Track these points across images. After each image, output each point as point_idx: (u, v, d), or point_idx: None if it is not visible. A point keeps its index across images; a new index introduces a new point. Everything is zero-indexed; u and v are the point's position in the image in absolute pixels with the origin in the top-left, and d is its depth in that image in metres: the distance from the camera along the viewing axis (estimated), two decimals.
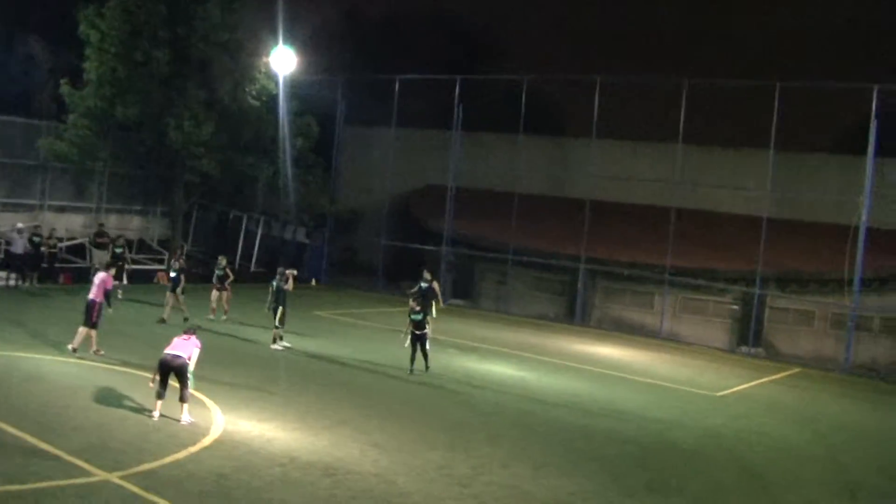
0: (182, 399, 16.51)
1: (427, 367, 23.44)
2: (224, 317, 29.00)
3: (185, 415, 16.50)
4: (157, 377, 16.64)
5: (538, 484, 15.24)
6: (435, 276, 31.68)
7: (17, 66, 40.38)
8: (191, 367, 16.71)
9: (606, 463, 16.96)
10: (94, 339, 21.77)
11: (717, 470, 17.34)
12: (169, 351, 16.75)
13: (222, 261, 30.38)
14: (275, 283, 25.48)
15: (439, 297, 31.22)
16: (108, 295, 22.32)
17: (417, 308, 23.50)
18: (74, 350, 21.49)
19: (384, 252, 42.83)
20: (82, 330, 21.72)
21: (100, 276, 22.57)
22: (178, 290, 28.06)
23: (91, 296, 22.00)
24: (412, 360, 23.37)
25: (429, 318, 28.69)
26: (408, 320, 23.69)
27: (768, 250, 33.68)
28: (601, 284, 38.36)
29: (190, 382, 16.68)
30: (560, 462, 16.70)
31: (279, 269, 26.10)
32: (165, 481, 13.50)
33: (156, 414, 16.57)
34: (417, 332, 23.39)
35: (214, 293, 29.46)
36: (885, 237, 34.06)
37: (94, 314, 21.82)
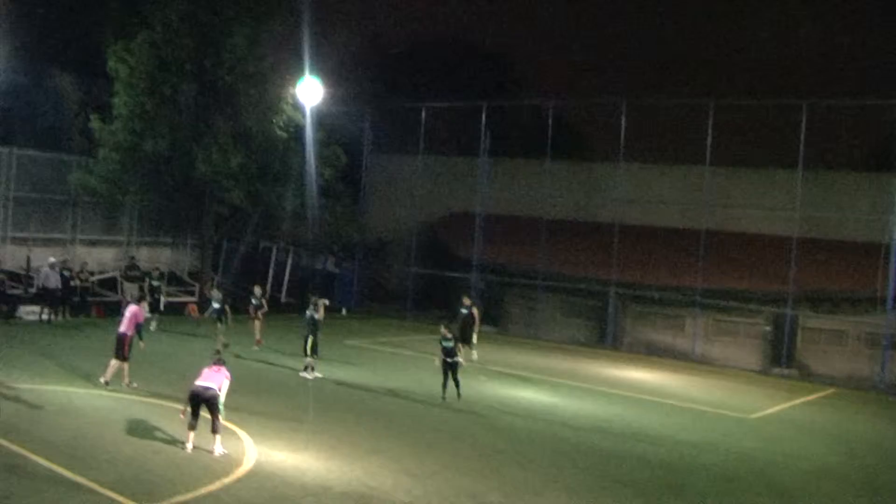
0: (214, 430, 16.55)
1: (459, 395, 23.40)
2: (256, 347, 29.21)
3: (218, 446, 16.54)
4: (189, 409, 16.69)
5: None
6: (473, 303, 31.67)
7: (47, 102, 40.82)
8: (221, 398, 16.76)
9: (639, 488, 16.85)
10: (125, 372, 21.88)
11: (751, 494, 17.19)
12: (199, 382, 16.81)
13: (257, 290, 30.68)
14: (308, 313, 25.57)
15: (478, 322, 30.89)
16: (139, 328, 22.45)
17: (449, 335, 23.49)
18: (107, 383, 21.61)
19: (413, 280, 42.87)
20: (114, 363, 21.85)
21: (131, 310, 22.70)
22: (226, 320, 28.88)
23: (122, 329, 22.13)
24: (444, 387, 23.35)
25: (468, 345, 29.31)
26: (439, 347, 23.69)
27: (799, 270, 33.50)
28: (631, 308, 38.21)
29: (221, 413, 16.73)
30: (593, 487, 16.62)
31: (311, 299, 26.21)
32: None
33: (189, 446, 16.62)
34: (449, 360, 23.37)
35: (257, 323, 29.84)
36: None
37: (126, 347, 21.95)
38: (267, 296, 37.21)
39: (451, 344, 23.38)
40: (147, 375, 22.56)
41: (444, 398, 23.27)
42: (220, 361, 17.48)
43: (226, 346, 27.88)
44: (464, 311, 30.61)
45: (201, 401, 16.61)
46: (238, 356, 26.61)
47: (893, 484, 18.98)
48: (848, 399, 29.67)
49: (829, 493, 17.71)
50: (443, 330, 23.85)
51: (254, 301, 30.32)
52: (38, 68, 39.36)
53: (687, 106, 39.66)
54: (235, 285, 41.20)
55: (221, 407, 16.75)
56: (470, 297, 32.36)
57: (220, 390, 16.76)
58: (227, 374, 17.21)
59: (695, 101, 37.37)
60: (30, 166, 37.66)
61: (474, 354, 30.28)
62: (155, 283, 33.99)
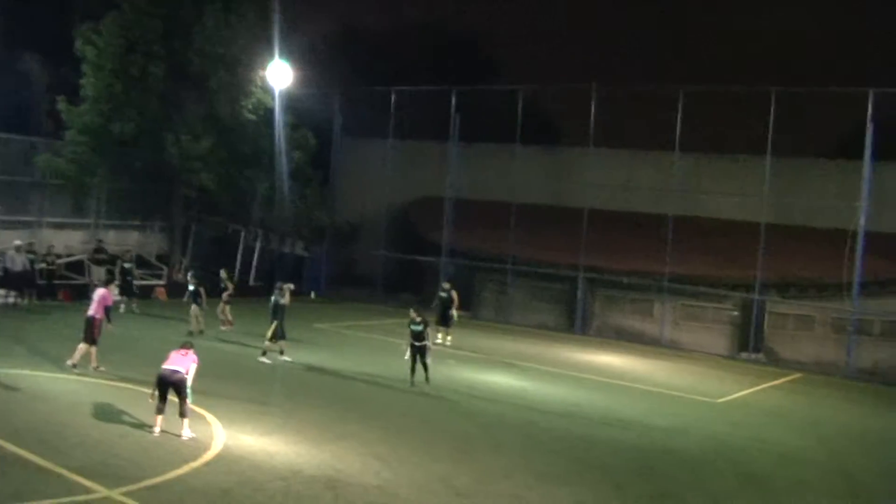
0: (182, 414, 16.47)
1: (428, 379, 23.38)
2: (226, 328, 29.22)
3: (186, 430, 16.47)
4: (157, 392, 16.61)
5: (540, 494, 15.21)
6: (452, 286, 32.11)
7: (14, 83, 40.35)
8: (189, 382, 16.69)
9: (609, 472, 16.92)
10: (93, 356, 21.74)
11: (720, 477, 17.31)
12: (167, 366, 16.72)
13: (222, 273, 30.65)
14: (273, 298, 25.45)
15: (456, 304, 31.57)
16: (108, 311, 22.30)
17: (418, 319, 23.45)
18: (74, 366, 21.47)
19: (383, 264, 42.83)
20: (82, 346, 21.70)
21: (99, 293, 22.55)
22: (201, 304, 28.88)
23: (91, 312, 21.99)
24: (412, 371, 23.31)
25: (445, 327, 30.42)
26: (408, 331, 23.66)
27: (767, 256, 33.69)
28: (601, 293, 38.32)
29: (189, 397, 16.65)
30: (562, 471, 16.67)
31: (277, 284, 26.13)
32: (168, 497, 13.47)
33: (156, 429, 16.53)
34: (417, 344, 23.34)
35: (225, 307, 29.84)
36: (883, 241, 34.05)
37: (94, 330, 21.80)
38: (234, 278, 37.16)
39: (420, 328, 23.34)
40: (115, 359, 22.43)
41: (412, 383, 23.24)
42: (188, 345, 17.41)
43: (201, 332, 28.00)
44: (443, 294, 31.40)
45: (169, 384, 16.53)
46: (217, 339, 26.57)
47: (860, 467, 19.14)
48: (815, 384, 29.92)
49: (796, 477, 17.84)
50: (412, 314, 23.78)
51: (221, 285, 30.35)
52: (5, 50, 38.90)
53: (657, 92, 39.73)
54: (204, 269, 41.01)
55: (189, 391, 16.67)
56: (449, 280, 32.99)
57: (187, 374, 16.68)
58: (195, 358, 17.14)
59: (665, 87, 37.45)
60: None
61: (448, 339, 30.44)
62: (127, 265, 33.79)
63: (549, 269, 38.30)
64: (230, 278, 31.19)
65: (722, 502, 15.86)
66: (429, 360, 23.43)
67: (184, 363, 16.79)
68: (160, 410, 16.58)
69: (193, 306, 28.90)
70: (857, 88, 32.51)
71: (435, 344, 28.96)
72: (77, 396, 19.14)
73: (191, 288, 29.42)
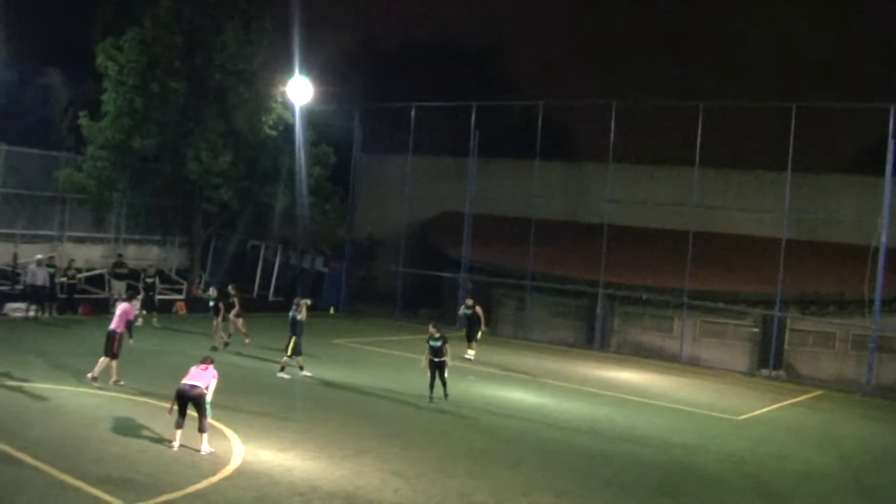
0: (201, 429, 16.49)
1: (446, 395, 23.35)
2: (247, 341, 29.20)
3: (205, 445, 16.48)
4: (176, 407, 16.64)
5: None
6: (476, 303, 32.16)
7: (35, 98, 40.68)
8: (208, 398, 16.71)
9: (627, 489, 16.84)
10: (114, 370, 21.81)
11: (739, 495, 17.19)
12: (186, 381, 16.75)
13: (230, 289, 30.58)
14: (290, 314, 25.45)
15: (482, 321, 31.75)
16: (129, 325, 22.38)
17: (437, 335, 23.43)
18: (94, 379, 21.54)
19: (402, 280, 42.84)
20: (103, 360, 21.79)
21: (122, 307, 22.65)
22: (220, 318, 28.87)
23: (113, 326, 22.07)
24: (431, 387, 23.28)
25: (471, 343, 30.59)
26: (427, 347, 23.63)
27: (787, 272, 33.53)
28: (620, 309, 38.23)
29: (208, 412, 16.67)
30: (581, 489, 16.60)
31: (294, 300, 26.16)
32: None
33: (175, 444, 16.55)
34: (436, 360, 23.31)
35: (239, 321, 29.82)
36: None
37: (115, 344, 21.87)
38: (254, 294, 37.30)
39: (438, 343, 23.31)
40: (135, 373, 22.49)
41: (431, 398, 23.20)
42: (208, 360, 17.44)
43: (226, 344, 28.13)
44: (467, 311, 31.56)
45: (188, 399, 16.56)
46: (236, 354, 26.66)
47: (881, 485, 19.00)
48: (835, 401, 29.73)
49: (817, 495, 17.72)
50: (431, 329, 23.77)
51: (228, 300, 30.25)
52: (28, 65, 39.22)
53: (677, 107, 39.69)
54: (223, 284, 41.13)
55: (209, 406, 16.69)
56: (472, 297, 33.13)
57: (207, 389, 16.70)
58: (215, 373, 17.16)
59: (684, 102, 37.38)
60: (18, 163, 37.53)
61: (472, 353, 30.62)
62: (149, 279, 33.93)
63: (568, 284, 38.20)
64: (237, 293, 30.91)
65: None
66: (447, 377, 23.39)
67: (203, 378, 16.82)
68: (179, 425, 16.60)
69: (214, 321, 28.97)
70: (878, 104, 32.36)
71: (465, 359, 29.49)
72: (97, 410, 19.19)
73: (210, 303, 29.50)
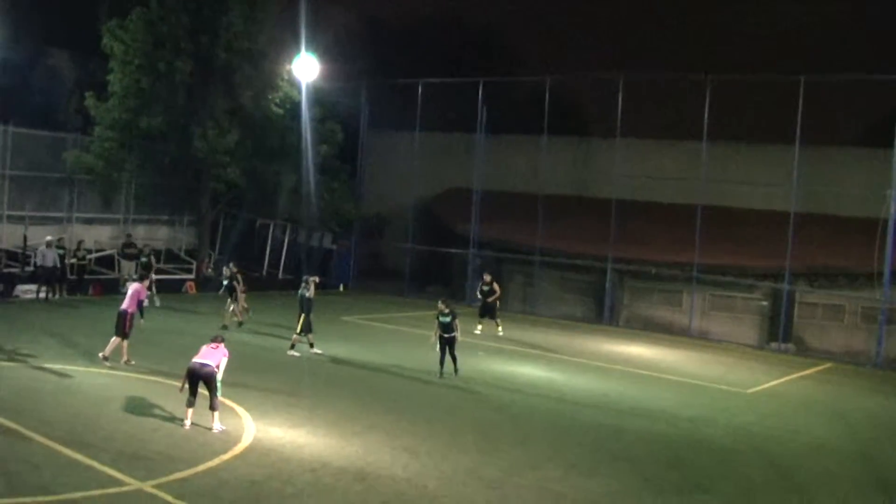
0: (212, 407, 16.58)
1: (456, 371, 23.42)
2: (240, 321, 29.13)
3: (216, 423, 16.57)
4: (187, 386, 16.73)
5: (569, 485, 15.22)
6: (493, 279, 32.32)
7: (42, 80, 40.68)
8: (219, 376, 16.79)
9: (637, 463, 16.91)
10: (125, 349, 21.91)
11: (748, 468, 17.25)
12: (197, 360, 16.83)
13: (232, 268, 30.16)
14: (300, 292, 25.49)
15: (498, 294, 31.97)
16: (140, 306, 22.46)
17: (446, 310, 23.46)
18: (106, 359, 21.64)
19: (411, 256, 42.89)
20: (114, 340, 21.89)
21: (133, 287, 22.73)
22: (235, 297, 28.79)
23: (124, 306, 22.15)
24: (441, 363, 23.35)
25: (493, 320, 31.12)
26: (436, 322, 23.69)
27: (796, 245, 33.50)
28: (629, 284, 38.24)
29: (219, 390, 16.76)
30: (590, 463, 16.67)
31: (304, 277, 26.19)
32: (198, 490, 13.57)
33: (187, 423, 16.65)
34: (446, 336, 23.37)
35: (243, 296, 29.71)
36: None
37: (126, 324, 21.97)
38: (263, 273, 37.38)
39: (448, 319, 23.35)
40: (146, 353, 22.57)
41: (441, 374, 23.27)
42: (219, 339, 17.52)
43: (240, 324, 28.22)
44: (485, 287, 31.68)
45: (199, 377, 16.64)
46: (247, 332, 26.78)
47: (889, 457, 19.03)
48: (844, 374, 29.75)
49: (825, 467, 17.77)
50: (440, 305, 23.77)
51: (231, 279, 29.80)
52: (34, 46, 39.22)
53: (684, 81, 39.57)
54: (232, 262, 41.24)
55: (219, 384, 16.78)
56: (490, 273, 33.11)
57: (217, 368, 16.78)
58: (226, 351, 17.24)
59: (692, 76, 37.27)
60: (25, 145, 37.54)
61: (500, 330, 30.95)
62: (144, 259, 33.90)
63: (576, 259, 38.20)
64: (239, 272, 30.60)
65: (750, 493, 15.80)
66: (457, 353, 23.46)
67: (214, 357, 16.89)
68: (190, 403, 16.69)
69: (228, 300, 29.03)
70: (886, 76, 32.21)
71: (497, 336, 30.10)
72: (107, 390, 19.29)
73: (224, 282, 29.52)
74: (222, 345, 17.31)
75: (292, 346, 25.16)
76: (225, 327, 27.25)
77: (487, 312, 31.55)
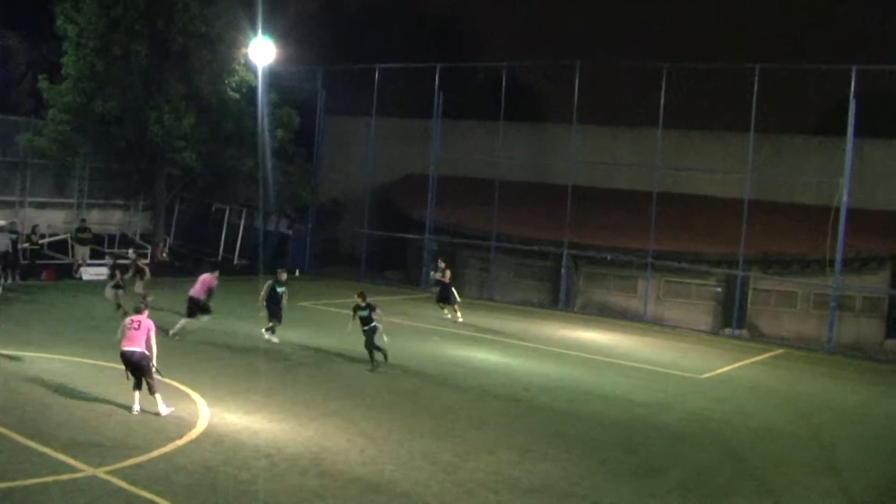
0: (151, 391, 16.48)
1: (386, 358, 22.83)
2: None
3: (161, 406, 16.47)
4: (128, 371, 16.63)
5: (524, 469, 15.30)
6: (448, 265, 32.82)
7: None
8: (154, 352, 16.67)
9: (592, 447, 17.03)
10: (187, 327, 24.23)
11: (702, 452, 17.43)
12: (125, 347, 16.66)
13: (131, 254, 29.54)
14: (270, 284, 25.10)
15: (447, 278, 32.23)
16: (210, 293, 24.98)
17: (363, 304, 22.77)
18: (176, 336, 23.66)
19: (367, 241, 42.82)
20: (184, 321, 24.33)
21: (204, 277, 25.10)
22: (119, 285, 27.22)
23: (193, 293, 24.72)
24: (371, 357, 22.60)
25: (450, 305, 31.61)
26: (352, 314, 23.23)
27: (750, 232, 33.80)
28: (585, 270, 38.38)
29: (157, 370, 16.64)
30: (546, 447, 16.75)
31: (277, 271, 25.96)
32: (152, 475, 13.51)
33: (136, 407, 16.52)
34: (366, 328, 22.68)
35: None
36: (865, 218, 34.23)
37: (196, 309, 24.57)
38: (219, 258, 36.98)
39: (366, 313, 22.83)
40: (96, 340, 22.39)
41: (373, 369, 22.40)
42: (138, 311, 17.17)
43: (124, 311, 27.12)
44: (439, 274, 32.03)
45: (131, 365, 16.50)
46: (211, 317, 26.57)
47: (839, 440, 19.27)
48: (797, 359, 30.07)
49: (777, 451, 17.97)
50: (357, 298, 23.21)
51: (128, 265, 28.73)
52: None
53: (640, 69, 39.76)
54: (186, 247, 41.07)
55: (155, 364, 16.61)
56: (445, 259, 33.59)
57: (148, 349, 16.60)
58: (150, 323, 16.90)
59: (649, 63, 37.45)
60: None
61: (459, 316, 31.30)
62: (13, 236, 32.77)
63: (532, 245, 38.30)
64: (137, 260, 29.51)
65: (704, 476, 15.97)
66: (378, 342, 22.72)
67: (139, 338, 16.60)
68: (136, 387, 16.59)
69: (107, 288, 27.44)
70: (840, 65, 32.52)
71: (457, 322, 30.63)
72: (61, 376, 19.13)
73: (107, 270, 28.63)
74: (144, 316, 16.96)
75: (270, 331, 25.02)
76: (119, 307, 26.23)
77: (445, 299, 31.76)
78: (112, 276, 27.91)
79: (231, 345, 24.44)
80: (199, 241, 43.09)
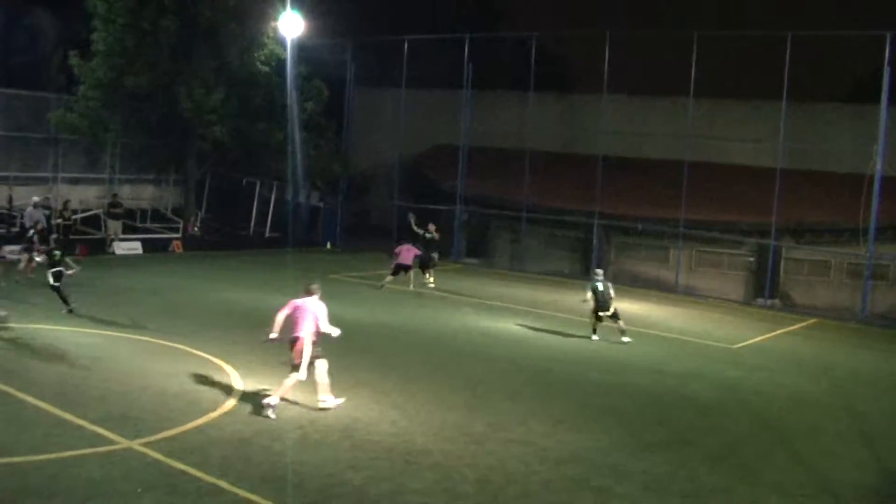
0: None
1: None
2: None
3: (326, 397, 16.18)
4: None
5: (555, 440, 15.32)
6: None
7: (24, 39, 40.35)
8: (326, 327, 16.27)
9: (624, 417, 17.03)
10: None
11: (734, 422, 17.40)
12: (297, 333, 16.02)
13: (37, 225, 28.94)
14: None
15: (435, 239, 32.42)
16: (414, 260, 29.15)
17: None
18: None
19: (397, 213, 42.83)
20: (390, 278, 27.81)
21: (406, 248, 29.20)
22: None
23: (400, 260, 28.98)
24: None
25: (430, 269, 31.26)
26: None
27: (783, 202, 33.57)
28: (616, 240, 38.31)
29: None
30: (577, 418, 16.77)
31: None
32: (187, 447, 13.63)
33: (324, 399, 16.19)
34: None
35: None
36: None
37: (403, 269, 29.15)
38: (250, 231, 37.07)
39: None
40: (132, 313, 22.57)
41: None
42: (312, 289, 16.54)
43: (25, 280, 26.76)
44: (428, 235, 32.00)
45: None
46: (230, 291, 26.69)
47: (872, 411, 19.19)
48: (830, 329, 29.93)
49: (809, 421, 17.92)
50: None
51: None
52: (14, 5, 38.85)
53: (671, 37, 39.45)
54: (218, 221, 41.24)
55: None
56: (434, 222, 33.44)
57: (314, 333, 16.03)
58: (323, 306, 16.44)
59: (679, 31, 37.13)
60: (8, 105, 37.33)
61: (431, 281, 31.03)
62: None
63: (563, 216, 38.21)
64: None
65: (735, 447, 15.93)
66: (441, 310, 23.16)
67: (308, 322, 16.05)
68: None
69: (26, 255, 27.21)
70: (874, 32, 32.14)
71: (428, 288, 30.52)
72: (97, 350, 19.32)
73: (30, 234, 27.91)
74: (316, 296, 16.52)
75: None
76: (16, 282, 26.10)
77: (426, 263, 31.12)
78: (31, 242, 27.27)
79: (262, 318, 24.51)
80: (230, 215, 43.26)
